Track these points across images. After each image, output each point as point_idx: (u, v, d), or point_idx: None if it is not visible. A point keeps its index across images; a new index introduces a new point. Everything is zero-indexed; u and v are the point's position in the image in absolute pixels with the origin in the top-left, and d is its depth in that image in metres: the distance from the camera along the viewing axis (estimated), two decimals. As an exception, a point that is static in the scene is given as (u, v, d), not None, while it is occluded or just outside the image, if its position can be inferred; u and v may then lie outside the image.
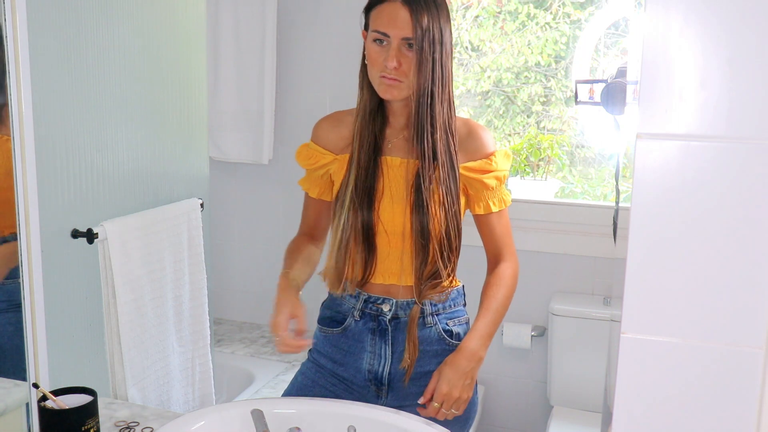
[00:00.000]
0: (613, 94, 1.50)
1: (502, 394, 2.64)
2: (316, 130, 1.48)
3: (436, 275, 1.38)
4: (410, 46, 1.30)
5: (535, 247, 2.50)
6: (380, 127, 1.41)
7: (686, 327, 0.70)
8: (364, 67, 1.38)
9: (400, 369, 1.41)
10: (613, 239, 1.97)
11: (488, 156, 1.41)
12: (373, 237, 1.39)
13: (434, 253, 1.36)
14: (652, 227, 0.69)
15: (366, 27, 1.37)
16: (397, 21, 1.29)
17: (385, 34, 1.30)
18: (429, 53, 1.30)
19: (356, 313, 1.43)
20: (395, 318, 1.41)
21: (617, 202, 1.59)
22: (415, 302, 1.40)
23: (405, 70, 1.31)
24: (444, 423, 1.38)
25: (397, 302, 1.41)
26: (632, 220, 0.70)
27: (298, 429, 1.14)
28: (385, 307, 1.41)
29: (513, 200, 2.53)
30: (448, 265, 1.38)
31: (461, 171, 1.40)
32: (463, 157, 1.40)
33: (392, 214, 1.38)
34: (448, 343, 1.43)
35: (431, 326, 1.42)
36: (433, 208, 1.35)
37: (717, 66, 0.66)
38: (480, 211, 1.44)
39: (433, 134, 1.34)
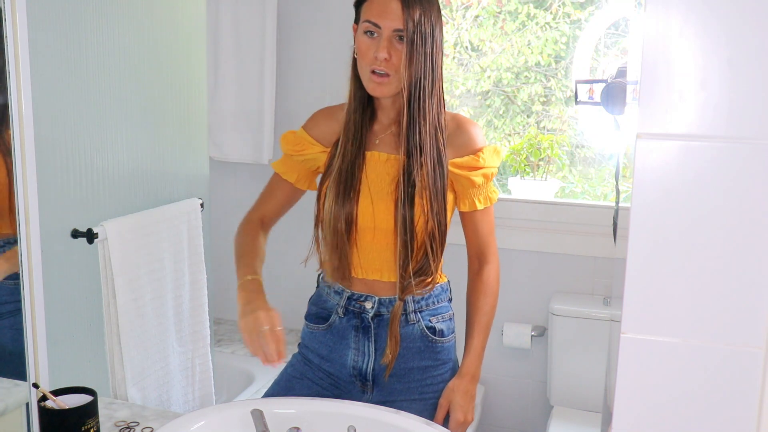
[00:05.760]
0: (613, 94, 1.50)
1: (502, 394, 2.64)
2: (311, 119, 1.49)
3: (421, 272, 1.38)
4: (401, 39, 1.30)
5: (535, 247, 2.49)
6: (369, 122, 1.41)
7: (686, 327, 0.70)
8: (354, 61, 1.39)
9: (382, 364, 1.42)
10: (613, 239, 1.96)
11: (476, 152, 1.40)
12: (355, 232, 1.39)
13: (418, 250, 1.37)
14: (652, 227, 0.69)
15: (357, 20, 1.38)
16: (389, 12, 1.29)
17: (376, 25, 1.31)
18: (420, 46, 1.30)
19: (340, 310, 1.44)
20: (378, 315, 1.42)
21: (617, 202, 1.59)
22: (398, 299, 1.40)
23: (395, 63, 1.31)
24: (432, 416, 1.43)
25: (379, 299, 1.41)
26: (632, 220, 0.70)
27: (298, 429, 1.14)
28: (368, 305, 1.42)
29: (514, 200, 2.56)
30: (433, 263, 1.38)
31: (451, 167, 1.39)
32: (450, 152, 1.39)
33: (374, 210, 1.37)
34: (431, 340, 1.44)
35: (414, 323, 1.42)
36: (417, 206, 1.34)
37: (717, 66, 0.66)
38: (465, 208, 1.44)
39: (422, 130, 1.33)
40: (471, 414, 1.43)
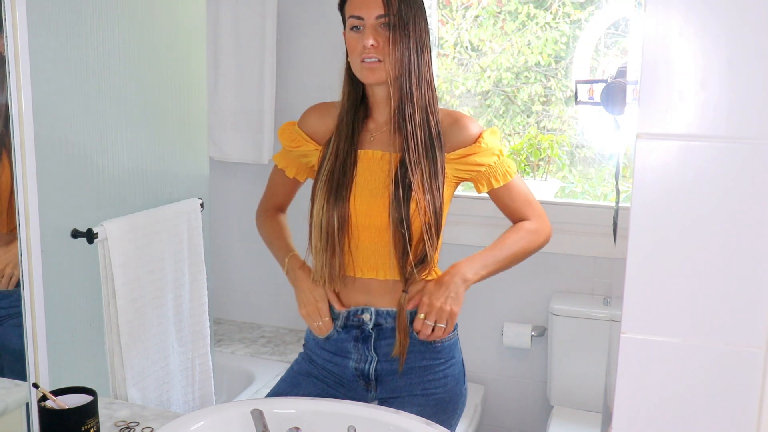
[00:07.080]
0: (613, 94, 1.50)
1: (502, 394, 2.64)
2: (305, 116, 1.51)
3: (421, 262, 1.39)
4: (385, 26, 1.34)
5: (535, 247, 2.49)
6: (362, 120, 1.43)
7: (686, 327, 0.70)
8: (347, 65, 1.42)
9: (392, 357, 1.43)
10: (613, 239, 1.97)
11: (476, 139, 1.43)
12: (348, 231, 1.40)
13: (416, 244, 1.37)
14: (652, 227, 0.69)
15: (344, 24, 1.40)
16: (369, 1, 1.34)
17: (359, 17, 1.34)
18: (403, 29, 1.33)
19: (338, 324, 1.46)
20: (377, 325, 1.43)
21: (617, 202, 1.59)
22: (403, 290, 1.40)
23: (383, 48, 1.34)
24: (435, 412, 1.42)
25: (377, 311, 1.43)
26: (632, 220, 0.70)
27: (298, 429, 1.14)
28: (366, 317, 1.43)
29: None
30: (430, 251, 1.39)
31: (453, 160, 1.41)
32: (451, 146, 1.41)
33: (369, 208, 1.38)
34: (432, 340, 1.43)
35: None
36: (415, 200, 1.35)
37: (717, 66, 0.66)
38: (484, 189, 1.47)
39: (411, 112, 1.35)
40: (440, 301, 1.37)
